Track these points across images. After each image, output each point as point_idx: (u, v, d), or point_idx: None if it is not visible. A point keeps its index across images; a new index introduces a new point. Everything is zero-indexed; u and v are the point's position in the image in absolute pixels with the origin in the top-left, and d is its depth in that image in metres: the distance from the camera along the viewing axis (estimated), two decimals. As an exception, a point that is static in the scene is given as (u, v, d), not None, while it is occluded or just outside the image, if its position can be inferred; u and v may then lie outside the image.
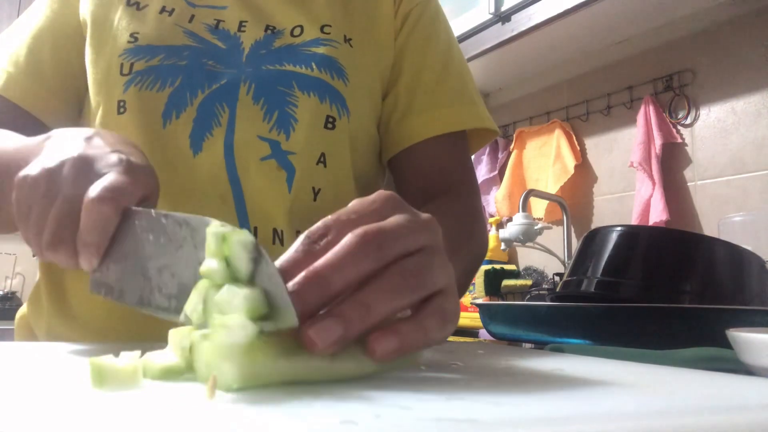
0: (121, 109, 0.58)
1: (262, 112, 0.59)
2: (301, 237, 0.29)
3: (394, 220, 0.30)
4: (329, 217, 0.30)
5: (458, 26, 1.71)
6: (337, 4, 0.67)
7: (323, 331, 0.26)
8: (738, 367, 0.39)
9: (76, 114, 0.66)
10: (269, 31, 0.63)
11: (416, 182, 0.68)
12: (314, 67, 0.61)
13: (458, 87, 0.69)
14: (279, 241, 0.58)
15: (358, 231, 0.28)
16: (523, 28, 1.56)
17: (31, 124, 0.61)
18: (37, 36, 0.65)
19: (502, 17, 1.61)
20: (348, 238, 0.28)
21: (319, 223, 0.30)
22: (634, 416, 0.21)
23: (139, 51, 0.60)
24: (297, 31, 0.64)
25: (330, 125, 0.61)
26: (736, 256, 0.64)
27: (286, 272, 0.27)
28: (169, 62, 0.59)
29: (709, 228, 1.42)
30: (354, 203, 0.32)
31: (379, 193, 0.32)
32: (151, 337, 0.53)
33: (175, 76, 0.59)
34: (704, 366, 0.41)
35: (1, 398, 0.22)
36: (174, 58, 0.59)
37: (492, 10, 1.61)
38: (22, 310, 0.68)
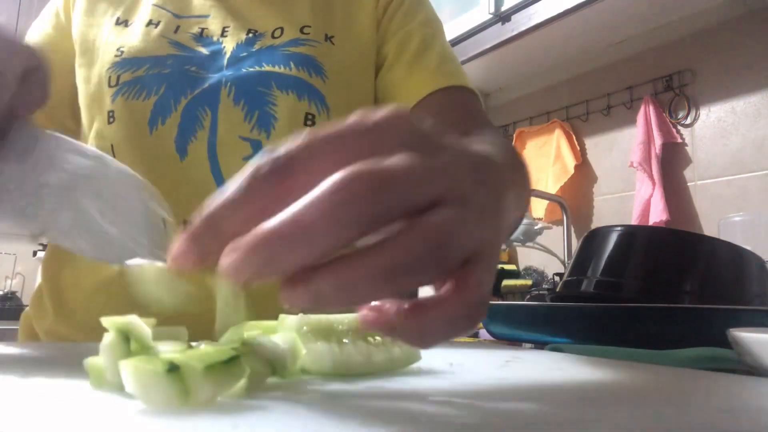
0: (111, 119, 0.61)
1: (243, 113, 0.60)
2: (254, 164, 0.22)
3: (407, 157, 0.21)
4: (307, 133, 0.22)
5: (458, 26, 1.71)
6: (318, 5, 0.69)
7: (292, 299, 0.21)
8: (738, 367, 0.39)
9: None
10: (251, 35, 0.65)
11: None
12: (292, 66, 0.63)
13: (443, 52, 0.70)
14: None
15: (349, 172, 0.20)
16: (523, 28, 1.56)
17: None
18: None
19: (502, 17, 1.61)
20: (332, 182, 0.20)
21: (289, 144, 0.22)
22: (634, 416, 0.21)
23: (125, 63, 0.62)
24: (277, 33, 0.65)
25: (309, 122, 0.62)
26: (736, 256, 0.64)
27: (223, 220, 0.22)
28: (153, 72, 0.61)
29: (709, 228, 1.42)
30: (352, 121, 0.22)
31: (391, 111, 0.23)
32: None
33: (159, 85, 0.61)
34: (704, 366, 0.41)
35: (2, 399, 0.22)
36: (158, 67, 0.61)
37: (492, 10, 1.61)
38: (27, 311, 0.69)
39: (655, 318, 0.53)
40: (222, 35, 0.65)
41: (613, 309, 0.57)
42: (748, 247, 0.64)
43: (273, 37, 0.65)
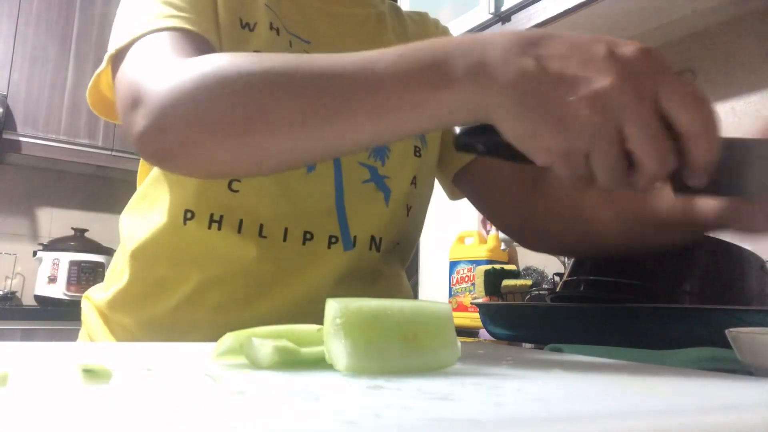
0: None
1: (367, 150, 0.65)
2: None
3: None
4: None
5: (458, 26, 1.71)
6: (401, 38, 0.73)
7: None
8: (738, 367, 0.39)
9: None
10: None
11: (512, 176, 0.71)
12: None
13: None
14: (375, 247, 0.66)
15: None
16: (523, 28, 1.55)
17: None
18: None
19: (502, 17, 1.61)
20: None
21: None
22: (634, 416, 0.21)
23: None
24: None
25: (417, 153, 0.70)
26: (736, 256, 0.64)
27: None
28: None
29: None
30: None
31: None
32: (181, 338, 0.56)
33: None
34: (704, 366, 0.41)
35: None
36: None
37: (492, 10, 1.61)
38: (102, 302, 0.67)
39: (655, 318, 0.53)
40: None
41: (613, 309, 0.57)
42: (748, 247, 0.64)
43: None
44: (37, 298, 2.47)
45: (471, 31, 1.69)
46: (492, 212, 0.75)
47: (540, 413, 0.21)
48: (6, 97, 2.37)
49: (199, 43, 0.57)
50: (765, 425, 0.21)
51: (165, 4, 0.59)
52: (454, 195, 0.79)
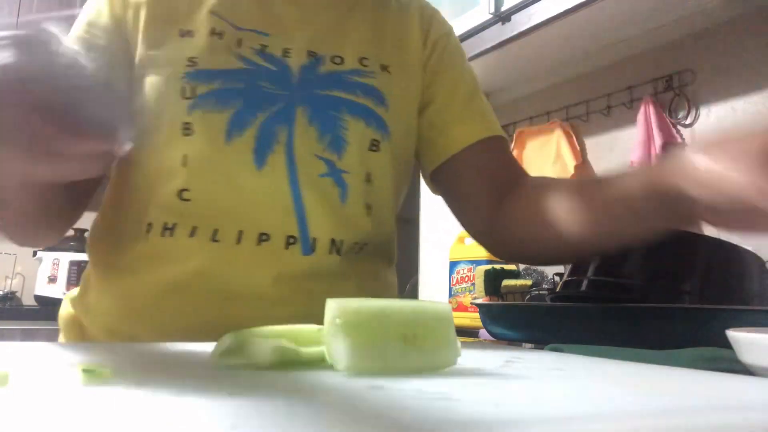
0: (187, 131, 0.62)
1: (317, 134, 0.64)
2: None
3: None
4: None
5: (458, 26, 1.71)
6: (369, 35, 0.72)
7: None
8: (738, 367, 0.39)
9: None
10: (312, 57, 0.68)
11: (481, 183, 0.72)
12: (359, 93, 0.67)
13: (486, 104, 0.77)
14: (336, 251, 0.63)
15: None
16: (523, 28, 1.55)
17: None
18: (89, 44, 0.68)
19: (502, 17, 1.61)
20: None
21: None
22: (634, 416, 0.21)
23: (200, 75, 0.63)
24: (337, 60, 0.69)
25: (374, 147, 0.67)
26: (736, 256, 0.63)
27: None
28: (227, 86, 0.63)
29: (709, 228, 1.42)
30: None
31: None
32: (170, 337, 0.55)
33: (236, 99, 0.63)
34: (704, 366, 0.41)
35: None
36: (232, 81, 0.64)
37: (492, 10, 1.61)
38: (69, 310, 0.69)
39: (655, 318, 0.53)
40: (284, 55, 0.67)
41: (613, 309, 0.57)
42: (748, 247, 0.64)
43: (334, 62, 0.68)
44: (37, 298, 2.47)
45: (471, 31, 1.69)
46: (460, 214, 0.75)
47: (540, 413, 0.21)
48: (6, 97, 2.37)
49: None
50: (765, 425, 0.21)
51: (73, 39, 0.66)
52: (434, 191, 0.78)
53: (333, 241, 0.63)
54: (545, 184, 0.69)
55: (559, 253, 0.66)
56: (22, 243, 0.63)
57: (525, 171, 0.75)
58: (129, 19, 0.68)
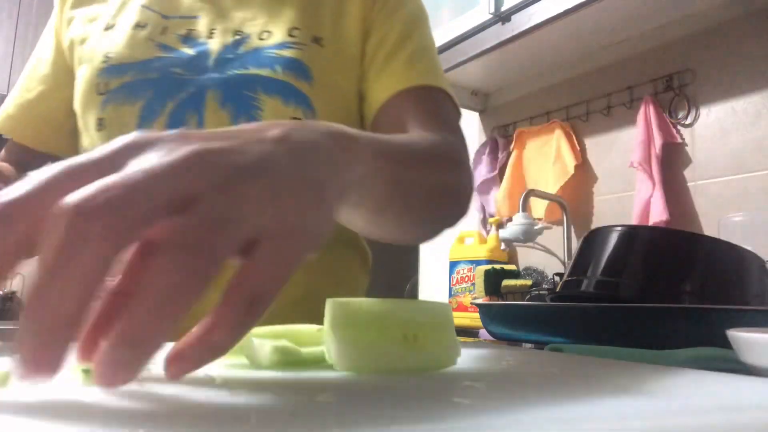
0: (100, 126, 0.62)
1: (229, 117, 0.60)
2: None
3: (135, 163, 0.22)
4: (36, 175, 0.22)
5: (458, 26, 1.71)
6: (307, 7, 0.68)
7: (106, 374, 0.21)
8: (738, 367, 0.39)
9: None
10: (237, 36, 0.65)
11: None
12: (278, 69, 0.62)
13: (418, 49, 0.67)
14: None
15: (61, 208, 0.20)
16: (523, 28, 1.55)
17: (38, 157, 0.69)
18: (32, 75, 0.73)
19: (502, 17, 1.61)
20: (56, 230, 0.20)
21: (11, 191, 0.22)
22: (634, 416, 0.21)
23: (112, 70, 0.63)
24: (265, 35, 0.65)
25: None
26: (736, 256, 0.64)
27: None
28: (140, 77, 0.62)
29: (709, 228, 1.42)
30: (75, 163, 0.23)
31: (118, 139, 0.24)
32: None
33: (146, 90, 0.62)
34: (704, 366, 0.41)
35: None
36: (145, 72, 0.62)
37: (492, 10, 1.61)
38: None
39: (655, 318, 0.53)
40: (209, 36, 0.65)
41: (613, 309, 0.57)
42: (748, 247, 0.64)
43: (260, 39, 0.65)
44: (37, 298, 2.47)
45: (471, 31, 1.69)
46: None
47: (540, 413, 0.21)
48: (6, 97, 2.37)
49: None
50: (765, 425, 0.21)
51: (21, 86, 0.72)
52: None
53: None
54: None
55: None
56: None
57: (442, 125, 0.62)
58: (64, 29, 0.71)
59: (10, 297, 2.51)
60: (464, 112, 2.33)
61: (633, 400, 0.25)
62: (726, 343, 0.40)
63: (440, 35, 1.75)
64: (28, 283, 0.20)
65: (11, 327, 2.09)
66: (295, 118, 0.61)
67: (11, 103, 0.71)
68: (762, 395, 0.28)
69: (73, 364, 0.26)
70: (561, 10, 1.45)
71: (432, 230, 0.55)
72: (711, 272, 0.62)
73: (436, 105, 0.65)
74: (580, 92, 1.78)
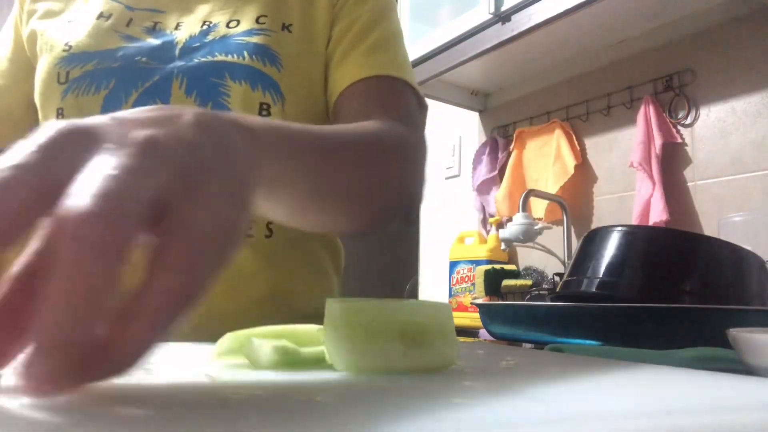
0: (59, 117, 0.61)
1: (195, 105, 0.59)
2: None
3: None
4: None
5: (458, 26, 1.71)
6: None
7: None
8: (738, 367, 0.39)
9: None
10: (205, 26, 0.64)
11: None
12: (246, 55, 0.62)
13: (381, 39, 0.66)
14: None
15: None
16: (523, 28, 1.55)
17: None
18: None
19: (502, 17, 1.61)
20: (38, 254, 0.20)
21: None
22: (634, 416, 0.21)
23: (74, 59, 0.62)
24: (233, 24, 0.65)
25: (264, 112, 0.61)
26: (736, 256, 0.64)
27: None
28: (103, 66, 0.61)
29: (709, 228, 1.42)
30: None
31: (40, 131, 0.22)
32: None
33: (109, 79, 0.60)
34: (704, 366, 0.41)
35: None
36: (108, 61, 0.61)
37: (492, 10, 1.61)
38: None
39: (655, 318, 0.53)
40: (176, 29, 0.64)
41: (613, 309, 0.57)
42: (748, 247, 0.64)
43: (228, 27, 0.64)
44: (37, 298, 2.47)
45: (471, 31, 1.69)
46: None
47: (540, 413, 0.21)
48: None
49: None
50: (765, 425, 0.21)
51: None
52: None
53: None
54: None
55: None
56: None
57: (397, 115, 0.60)
58: (24, 22, 0.70)
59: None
60: (464, 112, 2.31)
61: (633, 400, 0.25)
62: (726, 343, 0.40)
63: (440, 35, 1.75)
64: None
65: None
66: (263, 104, 0.60)
67: None
68: (762, 395, 0.28)
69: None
70: (561, 10, 1.45)
71: (363, 225, 0.52)
72: (711, 272, 0.62)
73: (395, 96, 0.63)
74: (580, 92, 1.78)
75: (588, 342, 0.56)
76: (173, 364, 0.34)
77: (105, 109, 0.59)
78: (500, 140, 2.02)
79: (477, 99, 2.09)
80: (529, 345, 0.68)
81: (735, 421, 0.21)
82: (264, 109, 0.61)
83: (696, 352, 0.45)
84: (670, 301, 0.59)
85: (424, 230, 2.30)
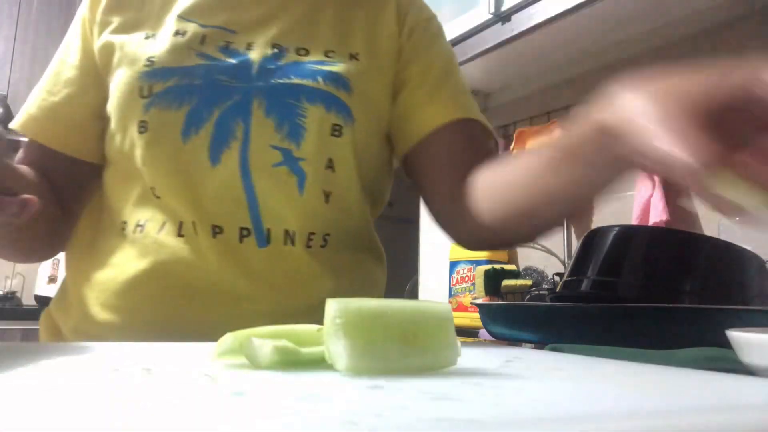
0: (142, 129, 0.63)
1: (273, 125, 0.63)
2: None
3: None
4: None
5: (458, 26, 1.71)
6: (339, 27, 0.71)
7: None
8: (738, 367, 0.39)
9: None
10: (276, 49, 0.68)
11: (442, 169, 0.70)
12: (320, 80, 0.66)
13: (461, 86, 0.75)
14: (290, 241, 0.63)
15: None
16: (523, 28, 1.55)
17: (62, 160, 0.69)
18: (56, 78, 0.71)
19: (502, 17, 1.61)
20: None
21: None
22: (634, 416, 0.21)
23: (156, 74, 0.64)
24: (302, 52, 0.68)
25: (336, 133, 0.65)
26: (736, 256, 0.64)
27: None
28: (184, 82, 0.63)
29: (709, 228, 1.42)
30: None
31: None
32: (169, 337, 0.56)
33: (191, 96, 0.63)
34: (704, 366, 0.41)
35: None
36: (189, 78, 0.64)
37: (492, 10, 1.61)
38: (49, 309, 0.71)
39: (655, 318, 0.53)
40: (247, 49, 0.67)
41: (613, 309, 0.57)
42: (748, 247, 0.64)
43: (298, 54, 0.68)
44: (37, 298, 2.47)
45: (471, 31, 1.69)
46: (426, 202, 0.73)
47: (540, 413, 0.21)
48: (6, 97, 2.37)
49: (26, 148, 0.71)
50: (765, 425, 0.21)
51: (43, 88, 0.71)
52: (408, 177, 0.75)
53: (286, 231, 0.63)
54: (495, 162, 0.66)
55: (518, 227, 0.62)
56: (13, 260, 0.70)
57: (491, 156, 0.70)
58: (95, 33, 0.70)
59: (10, 297, 2.51)
60: (464, 112, 2.27)
61: (633, 400, 0.25)
62: (726, 343, 0.40)
63: (440, 35, 1.75)
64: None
65: (10, 327, 2.09)
66: (336, 125, 0.65)
67: (34, 105, 0.70)
68: (762, 395, 0.28)
69: (73, 364, 0.26)
70: (561, 9, 1.45)
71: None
72: (711, 272, 0.62)
73: (482, 138, 0.74)
74: (580, 92, 1.78)
75: (588, 342, 0.56)
76: (173, 364, 0.34)
77: (187, 125, 0.62)
78: (500, 140, 2.02)
79: (477, 99, 2.08)
80: (529, 345, 0.68)
81: (735, 421, 0.21)
82: (336, 130, 0.65)
83: (696, 352, 0.45)
84: (670, 301, 0.59)
85: (424, 230, 2.30)
